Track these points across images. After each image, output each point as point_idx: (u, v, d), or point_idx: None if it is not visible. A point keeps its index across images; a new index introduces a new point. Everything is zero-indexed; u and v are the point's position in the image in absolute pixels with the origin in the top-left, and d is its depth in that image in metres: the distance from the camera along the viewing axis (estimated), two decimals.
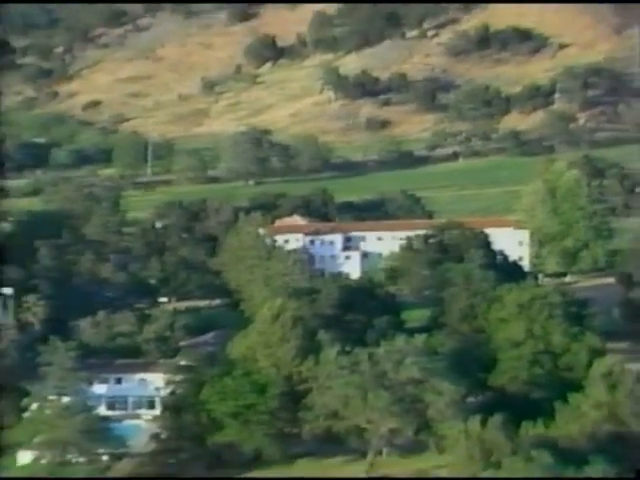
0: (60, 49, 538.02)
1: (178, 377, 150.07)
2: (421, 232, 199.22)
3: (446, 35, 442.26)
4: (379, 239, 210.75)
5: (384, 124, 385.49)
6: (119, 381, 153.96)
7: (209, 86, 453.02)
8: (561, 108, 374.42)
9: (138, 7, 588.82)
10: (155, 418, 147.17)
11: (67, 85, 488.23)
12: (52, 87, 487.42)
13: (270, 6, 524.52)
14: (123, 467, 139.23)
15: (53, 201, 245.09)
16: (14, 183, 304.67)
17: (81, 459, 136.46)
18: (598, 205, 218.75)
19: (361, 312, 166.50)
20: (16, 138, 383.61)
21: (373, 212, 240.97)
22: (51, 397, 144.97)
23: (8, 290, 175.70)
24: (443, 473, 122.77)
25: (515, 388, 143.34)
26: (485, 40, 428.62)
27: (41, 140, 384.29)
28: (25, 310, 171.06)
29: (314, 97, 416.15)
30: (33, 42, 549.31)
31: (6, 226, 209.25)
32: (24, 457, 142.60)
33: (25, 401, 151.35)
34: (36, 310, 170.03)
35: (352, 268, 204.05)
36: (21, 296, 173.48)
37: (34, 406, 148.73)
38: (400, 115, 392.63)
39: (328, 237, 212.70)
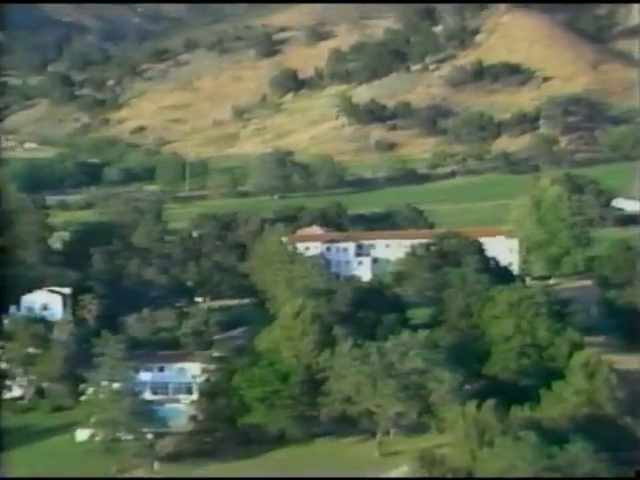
0: (112, 82, 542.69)
1: (212, 366, 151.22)
2: (423, 240, 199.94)
3: (445, 69, 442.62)
4: (387, 246, 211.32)
5: (391, 146, 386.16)
6: (161, 370, 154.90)
7: (239, 113, 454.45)
8: (545, 132, 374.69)
9: (179, 45, 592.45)
10: (192, 402, 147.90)
11: (117, 113, 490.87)
12: (105, 115, 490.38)
13: (292, 43, 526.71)
14: (165, 444, 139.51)
15: (105, 213, 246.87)
16: (72, 198, 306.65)
17: (129, 437, 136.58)
18: (578, 217, 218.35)
19: (371, 310, 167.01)
20: (74, 158, 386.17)
21: (382, 223, 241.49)
22: (104, 383, 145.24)
23: (67, 290, 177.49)
24: (443, 451, 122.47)
25: (506, 377, 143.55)
26: (479, 73, 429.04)
27: (95, 160, 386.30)
28: (81, 308, 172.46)
29: (330, 122, 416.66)
30: (89, 76, 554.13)
31: (65, 235, 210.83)
32: (82, 435, 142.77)
33: (82, 386, 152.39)
34: (91, 308, 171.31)
35: (363, 272, 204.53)
36: (78, 295, 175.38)
37: (90, 391, 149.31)
38: (405, 138, 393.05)
39: (342, 245, 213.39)
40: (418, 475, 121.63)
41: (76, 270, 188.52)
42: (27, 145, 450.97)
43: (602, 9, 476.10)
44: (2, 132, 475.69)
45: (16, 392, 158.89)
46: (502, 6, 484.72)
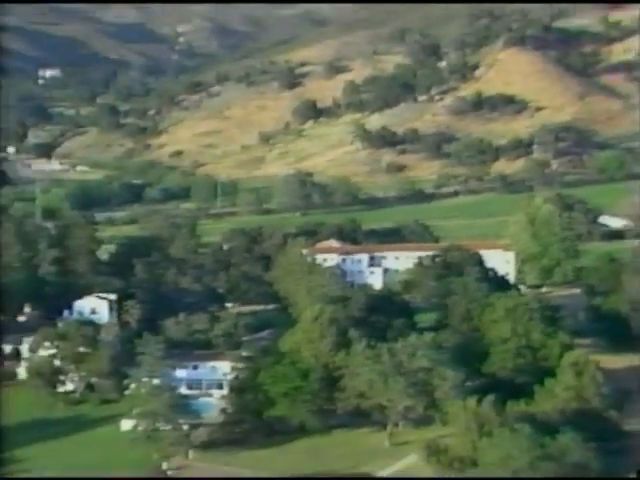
0: (152, 111, 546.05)
1: (241, 365, 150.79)
2: (429, 253, 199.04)
3: (449, 99, 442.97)
4: (396, 258, 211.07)
5: (401, 168, 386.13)
6: (195, 367, 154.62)
7: (265, 139, 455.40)
8: (538, 157, 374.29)
9: (211, 78, 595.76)
10: (223, 396, 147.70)
11: (157, 139, 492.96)
12: (146, 140, 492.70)
13: (312, 76, 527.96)
14: (199, 434, 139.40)
15: (146, 228, 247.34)
16: (118, 215, 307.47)
17: (167, 427, 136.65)
18: (567, 232, 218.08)
19: (382, 315, 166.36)
20: (119, 180, 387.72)
21: (392, 237, 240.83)
22: (145, 379, 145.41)
23: (113, 296, 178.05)
24: (447, 441, 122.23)
25: (503, 375, 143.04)
26: (479, 103, 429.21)
27: (138, 181, 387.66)
28: (125, 312, 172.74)
29: (346, 147, 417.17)
30: (133, 107, 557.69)
31: (112, 248, 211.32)
32: (126, 425, 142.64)
33: (126, 382, 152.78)
34: (133, 312, 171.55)
35: (375, 281, 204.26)
36: (122, 301, 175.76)
37: (133, 386, 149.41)
38: (413, 161, 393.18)
39: (357, 256, 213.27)
40: (425, 463, 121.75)
41: (121, 279, 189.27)
42: (79, 168, 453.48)
43: (588, 47, 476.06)
44: (58, 156, 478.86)
45: (69, 386, 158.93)
46: (499, 43, 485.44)
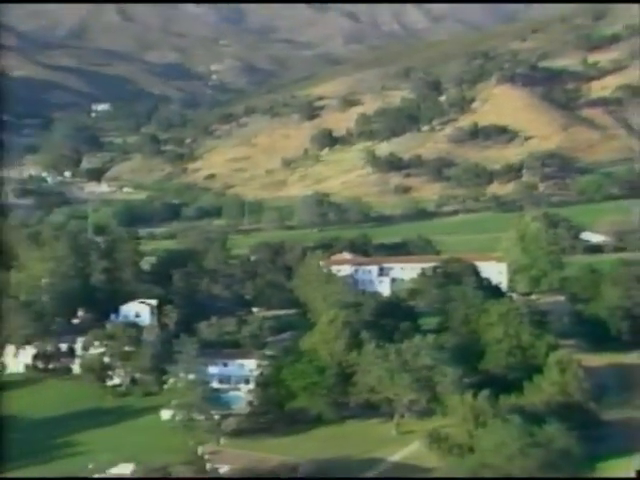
0: (189, 140, 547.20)
1: (265, 362, 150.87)
2: (432, 264, 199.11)
3: (448, 129, 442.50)
4: (402, 269, 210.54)
5: (406, 190, 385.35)
6: (226, 365, 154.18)
7: (287, 164, 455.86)
8: (527, 180, 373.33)
9: (240, 110, 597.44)
10: (250, 390, 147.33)
11: (193, 164, 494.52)
12: (184, 165, 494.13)
13: (328, 109, 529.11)
14: (229, 423, 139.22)
15: (183, 242, 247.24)
16: (158, 230, 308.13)
17: (201, 417, 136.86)
18: (553, 246, 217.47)
19: (390, 319, 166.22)
20: (160, 200, 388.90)
21: (399, 250, 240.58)
22: (182, 375, 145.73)
23: (154, 302, 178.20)
24: (447, 430, 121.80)
25: (496, 371, 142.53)
26: (475, 133, 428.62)
27: (176, 201, 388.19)
28: (164, 316, 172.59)
29: (358, 171, 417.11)
30: (172, 136, 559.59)
31: (153, 259, 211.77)
32: (165, 415, 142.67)
33: (165, 377, 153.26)
34: (171, 316, 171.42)
35: (384, 289, 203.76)
36: (162, 306, 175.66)
37: (171, 381, 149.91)
38: (417, 184, 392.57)
39: (367, 267, 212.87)
40: (427, 449, 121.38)
41: (161, 286, 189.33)
42: (125, 189, 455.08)
43: (570, 84, 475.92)
44: (107, 180, 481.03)
45: (116, 380, 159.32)
46: (492, 80, 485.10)
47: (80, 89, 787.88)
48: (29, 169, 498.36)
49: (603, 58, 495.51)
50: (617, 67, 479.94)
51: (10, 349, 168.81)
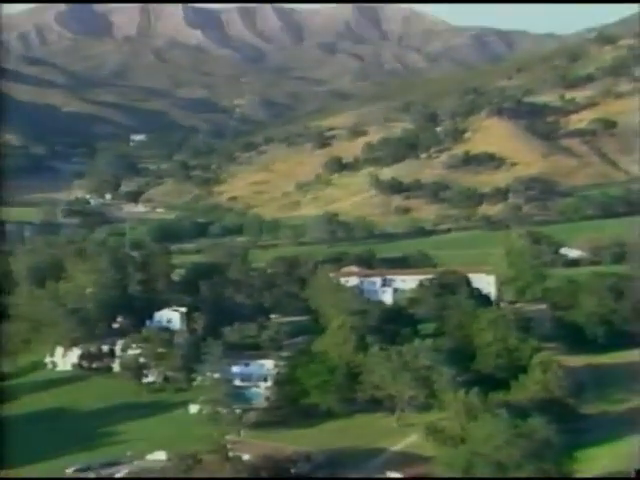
0: (215, 166, 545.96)
1: (282, 363, 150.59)
2: (429, 276, 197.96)
3: (444, 157, 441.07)
4: (403, 280, 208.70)
5: (406, 210, 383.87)
6: (247, 365, 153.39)
7: (301, 187, 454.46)
8: (513, 202, 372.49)
9: (260, 139, 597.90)
10: (268, 387, 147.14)
11: (218, 187, 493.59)
12: (210, 189, 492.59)
13: (338, 138, 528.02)
14: (250, 416, 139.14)
15: (209, 257, 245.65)
16: (187, 246, 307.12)
17: (225, 411, 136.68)
18: (536, 261, 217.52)
19: (393, 324, 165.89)
20: (189, 219, 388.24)
21: (400, 264, 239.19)
22: (208, 373, 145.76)
23: (183, 309, 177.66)
24: (443, 423, 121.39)
25: (487, 371, 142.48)
26: (467, 160, 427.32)
27: (203, 220, 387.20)
28: (193, 321, 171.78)
29: (364, 194, 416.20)
30: (200, 162, 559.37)
31: (182, 272, 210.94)
32: (193, 409, 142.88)
33: (193, 375, 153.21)
34: (199, 321, 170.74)
35: (387, 298, 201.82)
36: (191, 313, 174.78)
37: (199, 379, 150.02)
38: (416, 205, 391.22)
39: (372, 279, 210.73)
40: (425, 440, 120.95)
41: (190, 295, 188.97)
42: (158, 210, 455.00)
43: (550, 117, 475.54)
44: (143, 201, 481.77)
45: (150, 378, 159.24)
46: (483, 114, 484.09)
47: (120, 122, 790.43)
48: (76, 192, 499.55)
49: (579, 95, 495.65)
50: (591, 103, 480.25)
51: (59, 350, 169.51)
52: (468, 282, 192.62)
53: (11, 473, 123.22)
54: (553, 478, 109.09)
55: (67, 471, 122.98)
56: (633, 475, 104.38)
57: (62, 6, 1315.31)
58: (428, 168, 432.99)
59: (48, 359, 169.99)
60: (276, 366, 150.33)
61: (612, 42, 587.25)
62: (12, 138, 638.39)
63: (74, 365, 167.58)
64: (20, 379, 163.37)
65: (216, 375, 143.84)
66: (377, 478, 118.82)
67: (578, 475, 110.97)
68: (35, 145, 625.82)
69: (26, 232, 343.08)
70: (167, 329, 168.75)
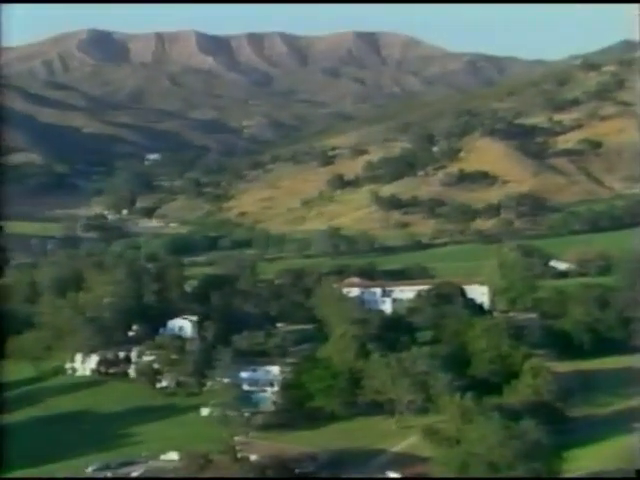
0: (225, 183, 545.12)
1: (288, 369, 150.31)
2: (426, 287, 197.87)
3: (440, 174, 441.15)
4: (402, 291, 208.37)
5: (405, 225, 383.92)
6: (255, 370, 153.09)
7: (306, 203, 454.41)
8: (505, 217, 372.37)
9: (267, 158, 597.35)
10: (275, 392, 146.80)
11: (228, 203, 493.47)
12: (220, 205, 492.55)
13: (340, 157, 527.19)
14: (257, 419, 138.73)
15: (220, 269, 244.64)
16: (199, 259, 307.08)
17: (234, 413, 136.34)
18: (527, 272, 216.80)
19: (392, 332, 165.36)
20: (201, 233, 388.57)
21: (399, 275, 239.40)
22: (218, 378, 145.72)
23: (195, 318, 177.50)
24: (439, 425, 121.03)
25: (481, 377, 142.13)
26: (462, 178, 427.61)
27: (214, 234, 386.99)
28: (204, 329, 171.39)
29: (365, 209, 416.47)
30: (211, 180, 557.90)
31: (194, 282, 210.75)
32: (204, 412, 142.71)
33: (204, 380, 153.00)
34: (210, 329, 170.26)
35: (387, 307, 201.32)
36: (202, 321, 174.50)
37: (209, 383, 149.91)
38: (414, 220, 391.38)
39: (373, 289, 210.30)
40: (423, 442, 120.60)
41: (201, 305, 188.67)
42: (172, 224, 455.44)
43: (539, 138, 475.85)
44: (157, 216, 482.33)
45: (164, 383, 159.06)
46: (476, 134, 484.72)
47: (137, 142, 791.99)
48: (95, 208, 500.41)
49: (566, 117, 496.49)
50: (577, 125, 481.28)
51: (79, 356, 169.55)
52: (463, 293, 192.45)
53: (35, 472, 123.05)
54: (553, 478, 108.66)
55: (87, 470, 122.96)
56: (633, 475, 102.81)
57: (84, 35, 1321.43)
58: (425, 185, 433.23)
59: (68, 365, 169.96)
60: (282, 372, 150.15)
61: (596, 69, 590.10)
62: (36, 157, 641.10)
63: (93, 370, 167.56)
64: (43, 383, 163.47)
65: (226, 380, 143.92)
66: (377, 478, 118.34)
67: (577, 475, 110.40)
68: (58, 164, 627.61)
69: (49, 245, 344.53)
70: (180, 337, 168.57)
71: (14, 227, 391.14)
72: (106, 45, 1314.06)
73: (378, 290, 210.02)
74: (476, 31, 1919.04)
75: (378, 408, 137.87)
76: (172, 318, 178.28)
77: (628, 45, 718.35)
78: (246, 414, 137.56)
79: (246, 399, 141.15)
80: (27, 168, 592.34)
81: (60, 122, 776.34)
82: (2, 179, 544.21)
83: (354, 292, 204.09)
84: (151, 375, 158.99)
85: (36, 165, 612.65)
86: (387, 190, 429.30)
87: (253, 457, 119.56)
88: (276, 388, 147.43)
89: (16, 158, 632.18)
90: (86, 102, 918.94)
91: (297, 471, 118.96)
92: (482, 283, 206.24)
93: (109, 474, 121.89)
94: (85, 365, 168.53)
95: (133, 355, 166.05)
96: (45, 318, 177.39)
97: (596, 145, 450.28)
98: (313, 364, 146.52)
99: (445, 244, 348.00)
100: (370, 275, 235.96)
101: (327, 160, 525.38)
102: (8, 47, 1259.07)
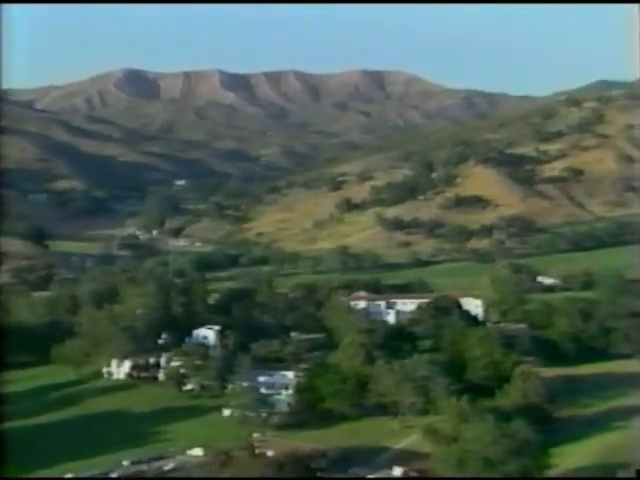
0: (244, 206, 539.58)
1: (301, 374, 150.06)
2: (426, 300, 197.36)
3: (439, 199, 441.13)
4: (404, 303, 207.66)
5: (407, 244, 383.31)
6: (271, 375, 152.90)
7: (317, 224, 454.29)
8: (497, 237, 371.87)
9: (283, 184, 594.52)
10: (289, 395, 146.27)
11: (247, 224, 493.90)
12: (240, 226, 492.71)
13: (349, 183, 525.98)
14: (274, 419, 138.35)
15: (240, 283, 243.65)
16: (221, 274, 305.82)
17: (252, 414, 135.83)
18: (517, 287, 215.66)
19: (395, 341, 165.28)
20: (223, 251, 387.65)
21: (402, 289, 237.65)
22: (238, 382, 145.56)
23: (217, 327, 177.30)
24: (438, 425, 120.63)
25: (476, 381, 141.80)
26: (458, 202, 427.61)
27: (234, 252, 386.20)
28: (225, 338, 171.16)
29: (371, 230, 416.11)
30: (232, 203, 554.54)
31: (217, 296, 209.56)
32: (226, 412, 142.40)
33: (225, 384, 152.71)
34: (231, 338, 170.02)
35: (390, 318, 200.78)
36: (224, 331, 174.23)
37: (230, 387, 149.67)
38: (415, 239, 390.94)
39: (378, 302, 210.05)
40: (423, 440, 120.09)
41: (223, 316, 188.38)
42: (197, 243, 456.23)
43: (528, 166, 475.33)
44: (184, 236, 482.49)
45: (190, 386, 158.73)
46: (471, 162, 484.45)
47: (166, 169, 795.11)
48: (128, 229, 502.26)
49: (551, 148, 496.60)
50: (561, 155, 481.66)
51: (114, 362, 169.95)
52: (459, 305, 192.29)
53: (76, 465, 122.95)
54: (553, 478, 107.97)
55: (123, 463, 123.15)
56: (634, 475, 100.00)
57: (120, 74, 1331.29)
58: (425, 208, 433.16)
59: (105, 369, 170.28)
60: (296, 376, 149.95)
61: (578, 104, 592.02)
62: (78, 184, 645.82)
63: (126, 375, 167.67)
64: (83, 386, 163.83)
65: (245, 384, 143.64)
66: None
67: (578, 475, 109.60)
68: (97, 189, 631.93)
69: (88, 262, 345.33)
70: (204, 345, 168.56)
71: (58, 246, 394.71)
72: (139, 83, 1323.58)
73: (383, 303, 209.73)
74: (471, 70, 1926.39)
75: (383, 409, 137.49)
76: (197, 328, 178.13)
77: (605, 84, 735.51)
78: (263, 415, 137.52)
79: (263, 401, 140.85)
80: (70, 193, 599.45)
81: (99, 152, 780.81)
82: (51, 202, 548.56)
83: (361, 304, 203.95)
84: (178, 379, 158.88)
85: (78, 191, 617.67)
86: (391, 212, 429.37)
87: (270, 453, 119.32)
88: (290, 391, 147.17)
89: (60, 185, 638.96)
90: (122, 134, 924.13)
91: (311, 466, 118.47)
92: (476, 297, 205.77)
93: (143, 467, 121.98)
94: (120, 370, 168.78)
95: (162, 361, 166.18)
96: (85, 327, 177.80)
97: (578, 173, 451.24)
98: (324, 369, 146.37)
99: (443, 261, 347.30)
100: (375, 289, 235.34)
101: (336, 185, 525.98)
102: (55, 86, 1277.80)
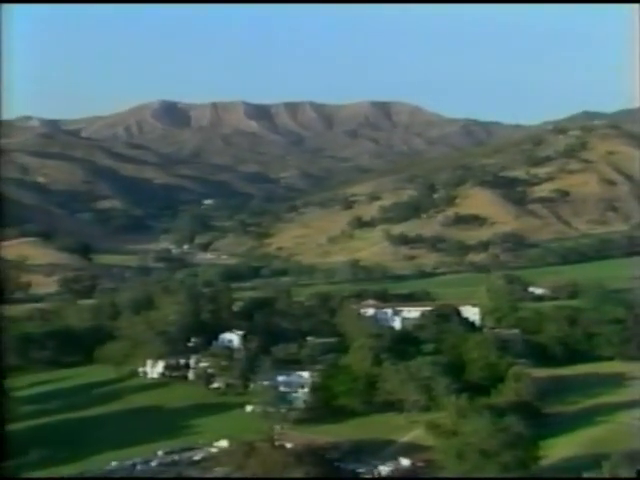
0: (266, 224, 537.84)
1: (316, 374, 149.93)
2: (429, 308, 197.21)
3: (440, 217, 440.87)
4: (409, 311, 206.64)
5: (412, 258, 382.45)
6: (289, 375, 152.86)
7: (331, 240, 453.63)
8: (493, 252, 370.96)
9: (300, 203, 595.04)
10: (305, 393, 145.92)
11: (268, 240, 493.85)
12: (262, 241, 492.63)
13: (359, 202, 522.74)
14: (292, 415, 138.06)
15: (262, 293, 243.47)
16: (245, 284, 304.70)
17: (272, 410, 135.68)
18: (510, 296, 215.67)
19: (401, 345, 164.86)
20: (246, 264, 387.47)
21: (407, 298, 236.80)
22: (260, 381, 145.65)
23: (241, 332, 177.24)
24: (439, 421, 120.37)
25: (473, 381, 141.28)
26: (458, 219, 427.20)
27: (257, 265, 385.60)
28: (248, 342, 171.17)
29: (380, 245, 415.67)
30: (255, 221, 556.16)
31: (241, 304, 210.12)
32: (248, 408, 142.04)
33: (248, 383, 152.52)
34: (253, 342, 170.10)
35: (397, 324, 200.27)
36: (247, 335, 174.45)
37: (253, 385, 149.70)
38: (420, 253, 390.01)
39: (385, 310, 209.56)
40: (426, 434, 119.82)
41: (246, 322, 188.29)
42: (223, 257, 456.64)
43: (520, 188, 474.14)
44: (211, 250, 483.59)
45: (216, 385, 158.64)
46: (469, 184, 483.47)
47: (196, 190, 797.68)
48: (163, 244, 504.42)
49: (541, 171, 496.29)
50: (550, 177, 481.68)
51: (150, 362, 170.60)
52: (459, 313, 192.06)
53: (117, 454, 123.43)
54: (552, 478, 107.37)
55: (158, 453, 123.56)
56: (635, 475, 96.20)
57: (156, 105, 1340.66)
58: (428, 226, 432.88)
59: (141, 369, 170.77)
60: (312, 376, 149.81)
61: (564, 132, 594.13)
62: (118, 204, 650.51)
63: (160, 374, 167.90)
64: (122, 384, 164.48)
65: (266, 383, 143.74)
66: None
67: (571, 475, 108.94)
68: (134, 209, 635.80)
69: (126, 274, 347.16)
70: (229, 347, 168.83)
71: (101, 259, 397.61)
72: (173, 113, 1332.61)
73: (390, 310, 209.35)
74: (469, 101, 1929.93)
75: (390, 406, 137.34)
76: (223, 332, 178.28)
77: (588, 115, 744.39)
78: (282, 410, 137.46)
79: (282, 398, 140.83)
80: (111, 212, 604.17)
81: (137, 175, 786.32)
82: (95, 220, 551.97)
83: (370, 312, 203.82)
84: (206, 378, 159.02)
85: (118, 210, 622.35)
86: (397, 229, 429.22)
87: (289, 445, 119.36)
88: (307, 390, 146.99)
89: (103, 204, 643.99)
90: (157, 159, 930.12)
91: (325, 457, 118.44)
92: (474, 305, 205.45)
93: (175, 457, 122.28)
94: (154, 369, 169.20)
95: (192, 362, 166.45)
96: (124, 331, 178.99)
97: (565, 194, 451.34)
98: (337, 370, 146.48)
99: (444, 273, 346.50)
100: (383, 298, 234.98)
101: (348, 205, 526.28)
102: (99, 116, 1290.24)
